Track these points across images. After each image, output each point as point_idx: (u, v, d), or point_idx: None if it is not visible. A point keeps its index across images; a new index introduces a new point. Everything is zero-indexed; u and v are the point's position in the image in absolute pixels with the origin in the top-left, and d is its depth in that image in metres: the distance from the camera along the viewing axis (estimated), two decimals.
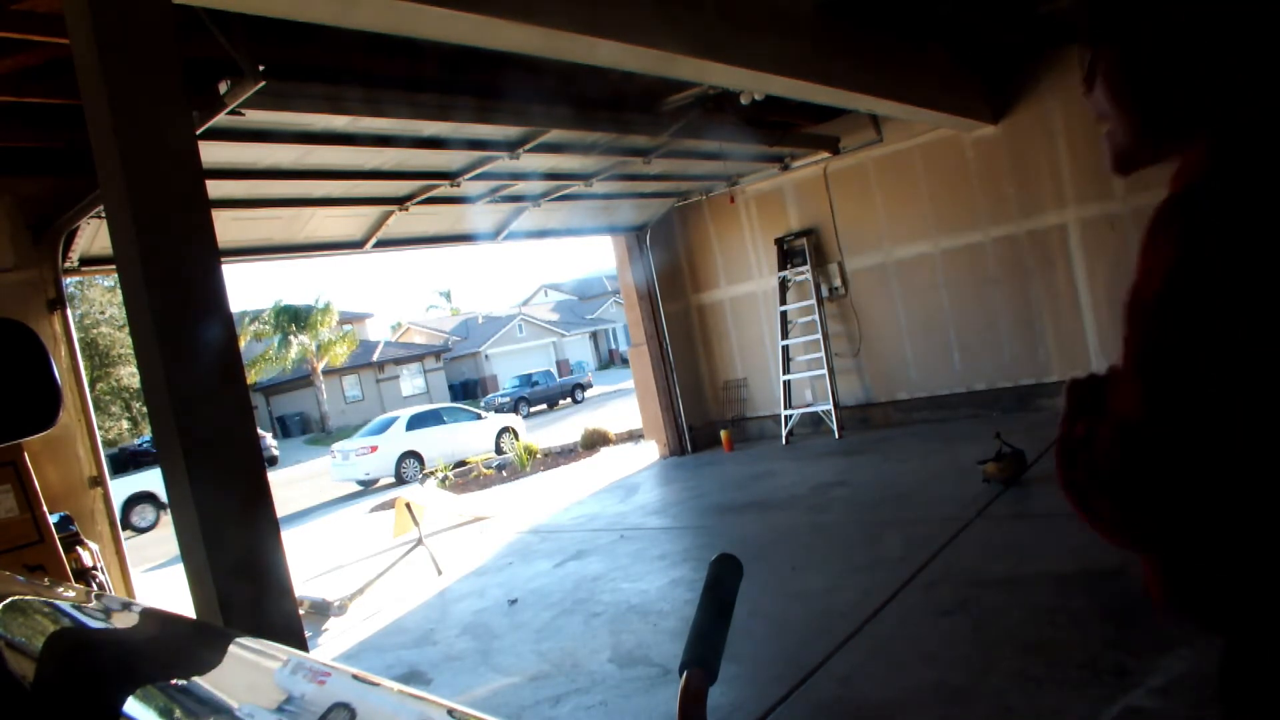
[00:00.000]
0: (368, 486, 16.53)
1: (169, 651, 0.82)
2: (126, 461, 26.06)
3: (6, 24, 3.45)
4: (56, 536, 4.32)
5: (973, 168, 8.30)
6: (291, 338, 30.11)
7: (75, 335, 5.42)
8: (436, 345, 40.63)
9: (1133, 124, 0.93)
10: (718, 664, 0.77)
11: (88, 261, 5.72)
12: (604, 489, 9.21)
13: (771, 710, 3.14)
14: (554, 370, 34.50)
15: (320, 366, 32.07)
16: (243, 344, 28.97)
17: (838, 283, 9.33)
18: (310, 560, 8.50)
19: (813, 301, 9.26)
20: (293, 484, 18.96)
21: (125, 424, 31.06)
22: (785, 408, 9.62)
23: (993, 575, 4.08)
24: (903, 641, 3.58)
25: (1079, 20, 0.98)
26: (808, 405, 9.65)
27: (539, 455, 13.83)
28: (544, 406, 28.80)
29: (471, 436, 16.85)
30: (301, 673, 0.70)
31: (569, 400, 29.46)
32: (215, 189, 4.88)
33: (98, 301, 27.81)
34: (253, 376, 29.44)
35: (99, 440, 5.33)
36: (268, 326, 30.25)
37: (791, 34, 5.02)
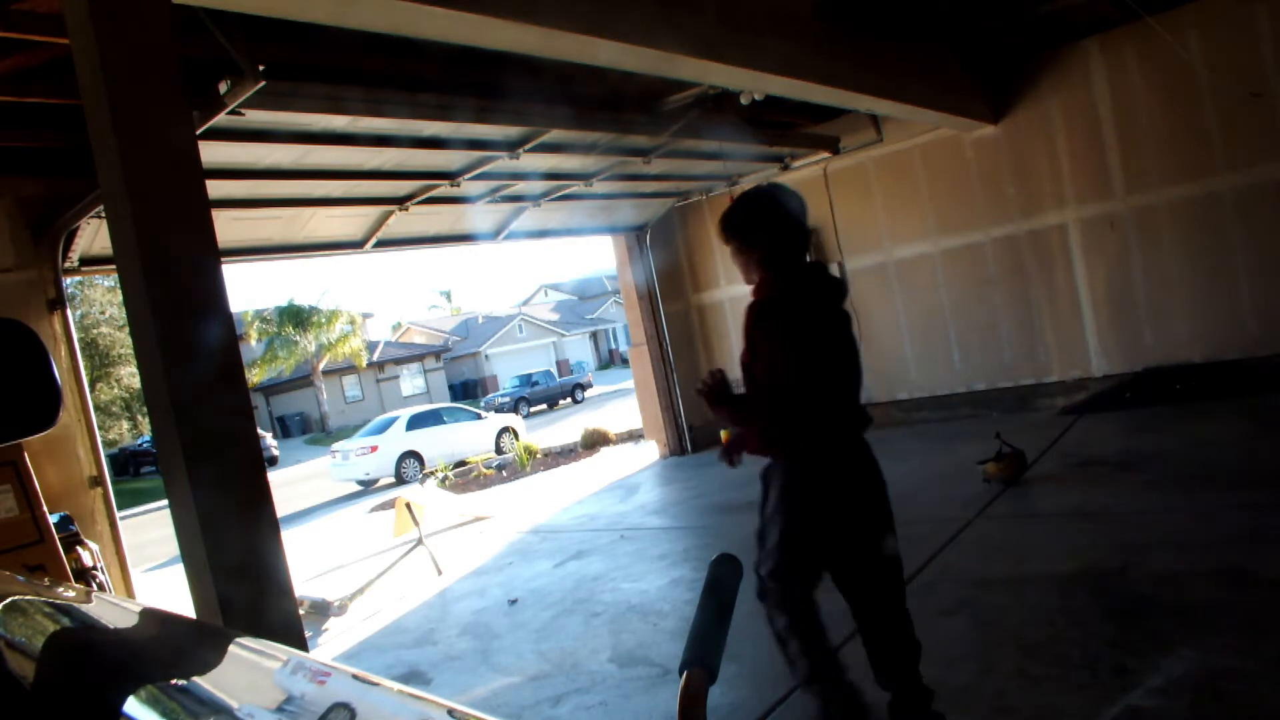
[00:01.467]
0: (368, 486, 16.52)
1: (169, 651, 0.82)
2: (126, 461, 26.13)
3: (6, 24, 3.45)
4: (56, 536, 4.32)
5: (973, 168, 8.30)
6: (298, 339, 30.13)
7: (75, 335, 5.42)
8: (436, 345, 40.63)
9: (745, 268, 2.55)
10: (718, 664, 0.77)
11: (88, 261, 5.71)
12: (604, 489, 9.21)
13: (771, 710, 3.14)
14: (554, 370, 34.50)
15: (321, 366, 32.05)
16: (251, 342, 29.00)
17: None
18: (310, 560, 8.50)
19: None
20: (293, 484, 18.96)
21: (125, 424, 31.09)
22: None
23: (993, 575, 4.07)
24: None
25: (724, 226, 2.57)
26: None
27: (539, 455, 13.83)
28: (544, 406, 28.79)
29: (471, 436, 16.85)
30: (301, 673, 0.70)
31: (569, 400, 29.45)
32: (215, 189, 4.87)
33: (98, 301, 27.82)
34: (257, 376, 29.42)
35: (99, 440, 5.33)
36: (270, 325, 30.26)
37: (792, 34, 5.02)
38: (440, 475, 13.65)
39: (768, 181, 3.14)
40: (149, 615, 0.94)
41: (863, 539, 2.49)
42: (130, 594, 5.26)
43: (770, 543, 2.46)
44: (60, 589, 1.24)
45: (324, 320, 30.32)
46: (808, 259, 2.58)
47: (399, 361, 37.89)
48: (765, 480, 2.52)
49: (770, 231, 2.49)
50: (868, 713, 2.54)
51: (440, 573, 6.60)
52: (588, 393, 30.01)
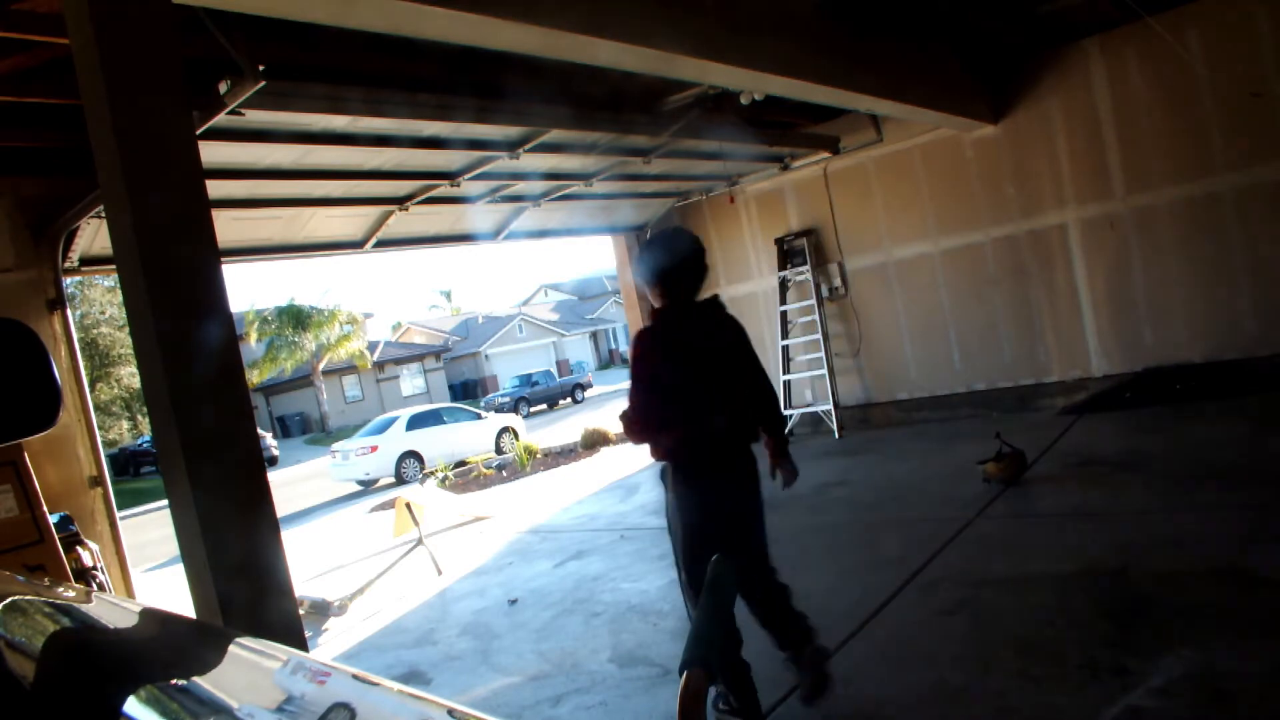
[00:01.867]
0: (368, 486, 16.52)
1: (169, 651, 0.82)
2: (126, 461, 26.12)
3: (6, 24, 3.45)
4: (56, 536, 4.32)
5: (973, 168, 8.30)
6: (298, 339, 30.14)
7: (75, 335, 5.42)
8: (436, 345, 40.63)
9: (650, 299, 3.03)
10: (718, 664, 0.77)
11: (88, 261, 5.72)
12: (604, 489, 9.21)
13: (772, 710, 3.14)
14: (554, 370, 34.50)
15: (321, 366, 32.03)
16: (251, 342, 28.98)
17: (838, 283, 9.33)
18: (310, 560, 8.50)
19: (813, 301, 9.26)
20: (293, 484, 18.96)
21: (125, 424, 31.09)
22: (785, 407, 9.61)
23: (993, 575, 4.07)
24: (903, 642, 3.58)
25: (636, 265, 3.18)
26: (808, 405, 9.65)
27: (539, 455, 13.82)
28: (544, 406, 28.79)
29: (471, 436, 16.85)
30: (301, 673, 0.70)
31: (569, 400, 29.46)
32: (215, 189, 4.87)
33: (98, 301, 27.82)
34: (258, 377, 29.40)
35: (99, 440, 5.33)
36: (271, 325, 30.27)
37: (791, 34, 5.02)
38: (440, 475, 13.64)
39: (671, 226, 3.51)
40: (149, 615, 0.94)
41: (726, 525, 2.96)
42: (130, 594, 5.26)
43: (675, 529, 3.05)
44: (60, 589, 1.24)
45: (324, 320, 30.31)
46: (700, 296, 2.98)
47: (399, 361, 37.89)
48: (662, 479, 3.05)
49: (670, 270, 2.92)
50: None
51: (440, 573, 6.60)
52: (588, 393, 30.01)
